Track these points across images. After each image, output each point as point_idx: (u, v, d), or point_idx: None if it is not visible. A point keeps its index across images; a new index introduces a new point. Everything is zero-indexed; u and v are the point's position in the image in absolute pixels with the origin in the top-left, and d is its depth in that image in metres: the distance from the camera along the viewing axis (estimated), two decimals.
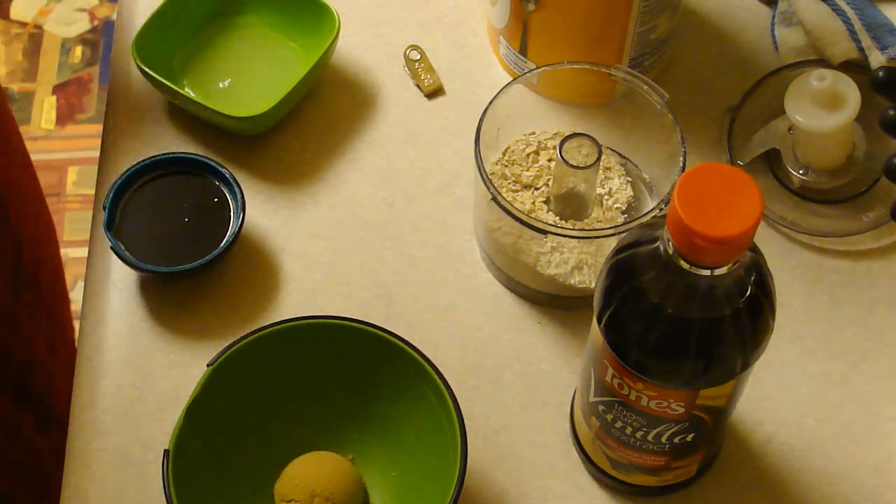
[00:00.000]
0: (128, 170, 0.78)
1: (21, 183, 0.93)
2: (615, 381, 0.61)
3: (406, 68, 0.84)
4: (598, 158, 0.72)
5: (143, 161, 0.78)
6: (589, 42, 0.79)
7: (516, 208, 0.70)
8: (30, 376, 0.92)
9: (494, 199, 0.70)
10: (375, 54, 0.86)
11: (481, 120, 0.72)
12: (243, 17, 0.86)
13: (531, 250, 0.73)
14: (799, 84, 0.76)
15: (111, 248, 0.76)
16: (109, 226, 0.76)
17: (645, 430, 0.64)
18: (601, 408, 0.65)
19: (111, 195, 0.77)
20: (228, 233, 0.77)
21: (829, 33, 0.80)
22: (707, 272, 0.55)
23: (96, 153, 0.85)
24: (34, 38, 1.92)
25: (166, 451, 0.66)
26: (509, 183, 0.77)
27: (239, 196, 0.77)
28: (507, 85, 0.74)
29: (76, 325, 0.95)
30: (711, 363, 0.58)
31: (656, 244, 0.56)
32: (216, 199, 0.78)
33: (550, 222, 0.74)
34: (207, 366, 0.68)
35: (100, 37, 1.92)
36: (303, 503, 0.68)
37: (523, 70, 0.82)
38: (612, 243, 0.64)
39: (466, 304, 0.77)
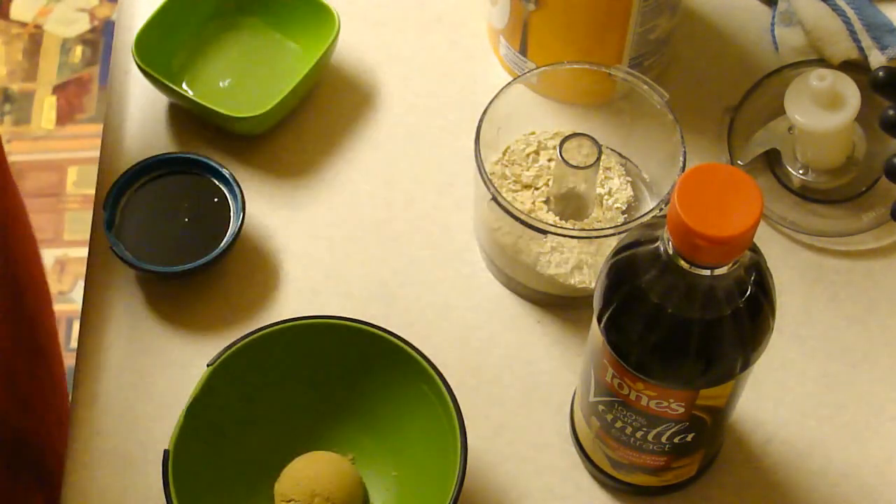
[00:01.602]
0: (128, 170, 0.78)
1: (33, 263, 0.93)
2: (615, 381, 0.61)
3: None
4: (598, 158, 0.72)
5: (143, 161, 0.78)
6: (589, 42, 0.79)
7: (516, 208, 0.70)
8: (45, 460, 0.90)
9: (494, 199, 0.70)
10: (375, 54, 0.86)
11: (481, 120, 0.72)
12: (243, 17, 0.86)
13: (531, 250, 0.73)
14: (799, 84, 0.76)
15: (111, 248, 0.76)
16: (109, 226, 0.76)
17: (645, 430, 0.64)
18: (601, 408, 0.65)
19: (111, 195, 0.77)
20: (228, 233, 0.77)
21: (828, 33, 0.80)
22: (707, 272, 0.55)
23: (96, 153, 0.85)
24: (34, 38, 1.92)
25: (166, 451, 0.66)
26: (509, 183, 0.77)
27: (239, 196, 0.77)
28: (507, 85, 0.74)
29: (76, 325, 0.94)
30: (711, 363, 0.58)
31: (656, 244, 0.56)
32: (216, 199, 0.78)
33: (550, 222, 0.74)
34: (207, 366, 0.68)
35: (100, 37, 1.92)
36: (303, 503, 0.68)
37: (523, 70, 0.82)
38: (612, 243, 0.64)
39: (466, 304, 0.77)
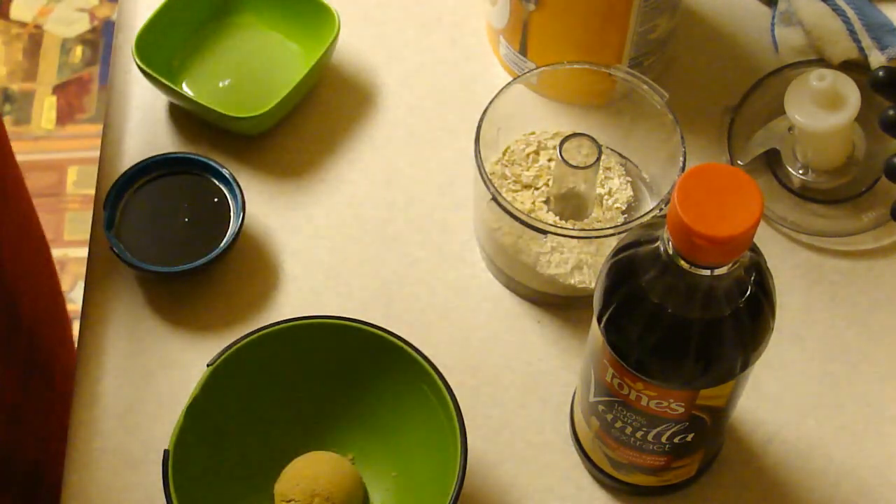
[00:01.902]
0: (128, 170, 0.78)
1: (36, 274, 0.91)
2: (615, 381, 0.61)
3: None
4: (598, 158, 0.72)
5: (143, 161, 0.78)
6: (589, 42, 0.79)
7: (516, 208, 0.70)
8: (39, 476, 0.89)
9: (494, 199, 0.70)
10: (375, 54, 0.86)
11: (481, 120, 0.72)
12: (243, 17, 0.86)
13: (531, 250, 0.73)
14: (799, 84, 0.76)
15: (111, 248, 0.76)
16: (109, 226, 0.76)
17: (645, 430, 0.64)
18: (601, 408, 0.65)
19: (111, 195, 0.77)
20: (228, 233, 0.77)
21: (828, 33, 0.80)
22: (707, 272, 0.55)
23: (96, 153, 0.85)
24: (34, 38, 1.92)
25: (166, 451, 0.66)
26: (509, 183, 0.77)
27: (239, 196, 0.77)
28: (507, 85, 0.74)
29: (76, 325, 0.94)
30: (711, 363, 0.58)
31: (656, 244, 0.56)
32: (216, 199, 0.78)
33: (550, 222, 0.74)
34: (207, 366, 0.68)
35: (100, 37, 1.92)
36: (303, 503, 0.68)
37: (523, 70, 0.82)
38: (612, 243, 0.64)
39: (466, 304, 0.77)
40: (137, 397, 0.74)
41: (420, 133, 0.83)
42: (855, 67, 0.79)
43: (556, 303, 0.77)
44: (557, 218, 0.75)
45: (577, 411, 0.70)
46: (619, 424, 0.64)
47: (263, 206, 0.80)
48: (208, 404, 0.68)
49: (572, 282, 0.74)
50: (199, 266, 0.75)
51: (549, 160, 0.77)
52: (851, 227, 0.78)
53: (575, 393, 0.72)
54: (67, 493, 0.72)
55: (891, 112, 0.74)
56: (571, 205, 0.75)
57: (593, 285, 0.62)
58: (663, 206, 0.70)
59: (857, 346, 0.76)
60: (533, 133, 0.78)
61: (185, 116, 0.83)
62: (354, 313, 0.73)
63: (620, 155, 0.78)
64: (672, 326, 0.57)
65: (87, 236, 0.80)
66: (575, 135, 0.72)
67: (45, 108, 1.85)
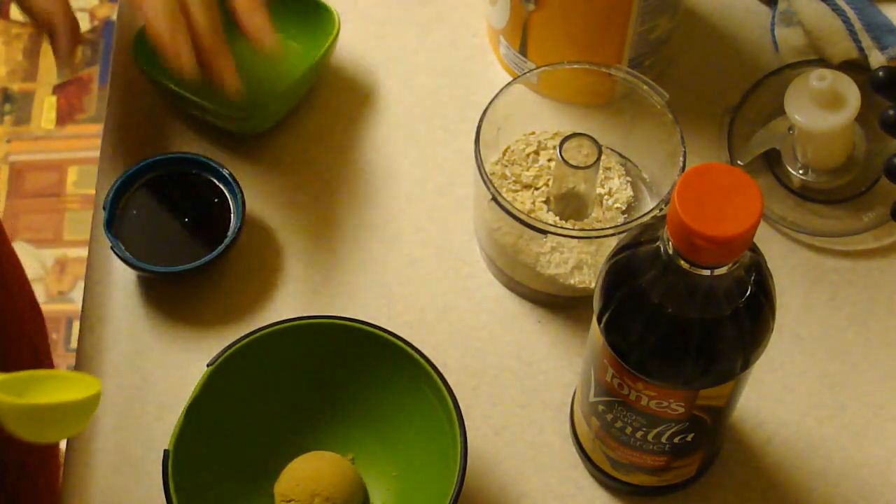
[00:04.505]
0: (128, 170, 0.78)
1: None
2: (615, 381, 0.61)
3: None
4: (598, 158, 0.72)
5: (143, 161, 0.78)
6: (589, 42, 0.79)
7: (516, 208, 0.70)
8: None
9: (494, 199, 0.70)
10: (375, 54, 0.86)
11: (481, 120, 0.72)
12: None
13: (531, 250, 0.73)
14: (799, 84, 0.76)
15: (111, 248, 0.76)
16: (109, 226, 0.76)
17: (645, 430, 0.64)
18: (601, 408, 0.65)
19: (111, 195, 0.77)
20: (228, 233, 0.77)
21: (829, 33, 0.80)
22: (707, 272, 0.55)
23: (96, 153, 0.85)
24: (34, 38, 1.92)
25: (166, 451, 0.66)
26: (509, 183, 0.77)
27: (239, 196, 0.77)
28: (507, 85, 0.74)
29: (76, 325, 0.94)
30: (711, 363, 0.58)
31: (656, 244, 0.56)
32: (216, 199, 0.78)
33: (550, 222, 0.74)
34: (207, 366, 0.68)
35: (100, 37, 1.92)
36: (303, 503, 0.68)
37: (523, 70, 0.82)
38: (612, 243, 0.64)
39: (466, 304, 0.77)
40: (137, 397, 0.74)
41: (420, 133, 0.83)
42: (855, 67, 0.79)
43: (556, 303, 0.77)
44: (557, 218, 0.75)
45: (577, 411, 0.70)
46: (619, 424, 0.64)
47: (263, 206, 0.80)
48: (208, 404, 0.68)
49: (572, 282, 0.74)
50: (199, 266, 0.75)
51: (549, 160, 0.77)
52: (851, 227, 0.78)
53: (575, 393, 0.72)
54: (67, 493, 0.72)
55: (891, 112, 0.74)
56: (571, 205, 0.75)
57: (593, 285, 0.62)
58: (663, 206, 0.70)
59: (857, 346, 0.76)
60: (533, 133, 0.78)
61: (185, 116, 0.83)
62: (354, 313, 0.73)
63: (620, 155, 0.78)
64: (672, 326, 0.57)
65: (87, 236, 0.80)
66: (575, 135, 0.72)
67: (45, 108, 1.85)
